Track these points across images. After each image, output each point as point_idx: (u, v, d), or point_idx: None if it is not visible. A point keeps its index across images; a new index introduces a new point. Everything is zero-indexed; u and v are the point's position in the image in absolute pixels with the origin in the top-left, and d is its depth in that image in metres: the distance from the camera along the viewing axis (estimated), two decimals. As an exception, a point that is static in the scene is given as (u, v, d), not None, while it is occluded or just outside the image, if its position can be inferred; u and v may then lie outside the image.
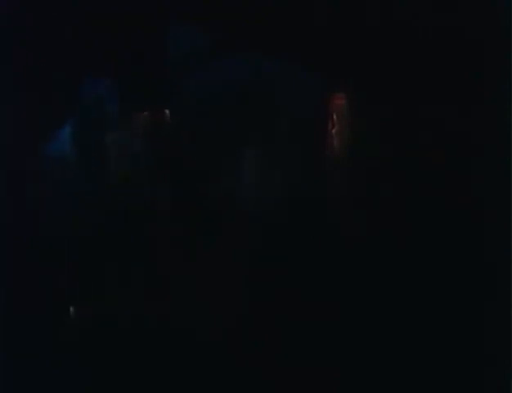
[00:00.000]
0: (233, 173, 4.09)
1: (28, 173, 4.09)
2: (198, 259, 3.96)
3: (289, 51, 4.02)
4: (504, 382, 3.71)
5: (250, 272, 3.94)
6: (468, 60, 3.97)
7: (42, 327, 3.96)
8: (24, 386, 3.91)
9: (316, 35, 4.04)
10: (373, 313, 3.88)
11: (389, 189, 3.97)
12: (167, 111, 4.16)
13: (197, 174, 4.09)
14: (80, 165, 4.11)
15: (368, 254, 3.93)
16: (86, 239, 4.01)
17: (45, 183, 4.07)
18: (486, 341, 3.79)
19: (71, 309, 4.00)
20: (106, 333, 3.95)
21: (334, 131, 4.11)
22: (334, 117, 4.11)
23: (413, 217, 3.95)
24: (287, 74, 4.10)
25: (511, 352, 3.71)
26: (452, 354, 3.83)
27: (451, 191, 3.95)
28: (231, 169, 4.10)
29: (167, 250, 3.99)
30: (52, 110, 4.09)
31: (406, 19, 4.02)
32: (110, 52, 4.11)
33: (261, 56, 4.07)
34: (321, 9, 4.05)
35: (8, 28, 4.10)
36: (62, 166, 4.11)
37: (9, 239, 4.01)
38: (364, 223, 3.98)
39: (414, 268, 3.89)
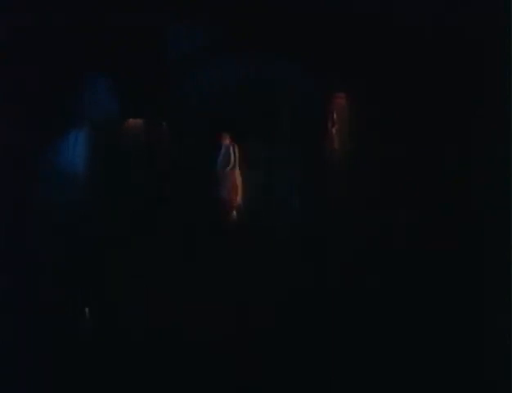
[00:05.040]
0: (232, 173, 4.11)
1: (28, 176, 4.09)
2: (199, 263, 3.97)
3: (290, 51, 4.03)
4: (504, 382, 3.72)
5: (250, 274, 3.95)
6: (468, 60, 3.97)
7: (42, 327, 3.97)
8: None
9: (317, 35, 4.04)
10: (373, 309, 3.88)
11: (389, 188, 3.97)
12: (167, 112, 4.16)
13: (196, 173, 4.10)
14: (80, 167, 4.11)
15: (366, 250, 3.93)
16: (83, 243, 4.02)
17: (45, 186, 4.08)
18: (486, 341, 3.79)
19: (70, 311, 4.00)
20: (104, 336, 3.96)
21: (334, 130, 4.11)
22: (335, 116, 4.11)
23: (413, 215, 3.96)
24: (288, 73, 4.10)
25: (511, 351, 3.72)
26: (453, 355, 3.83)
27: (450, 190, 3.95)
28: (230, 168, 4.11)
29: (166, 250, 4.00)
30: (52, 111, 4.10)
31: (407, 18, 4.02)
32: (109, 53, 4.12)
33: (261, 55, 4.07)
34: (321, 9, 4.06)
35: (8, 29, 4.10)
36: (62, 168, 4.11)
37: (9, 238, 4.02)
38: (364, 223, 3.98)
39: (414, 267, 3.90)
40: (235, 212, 4.09)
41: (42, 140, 4.08)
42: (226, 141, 4.10)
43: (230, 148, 4.11)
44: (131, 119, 4.15)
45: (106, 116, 4.13)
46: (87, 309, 3.98)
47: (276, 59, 4.08)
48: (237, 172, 4.11)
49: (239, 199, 4.10)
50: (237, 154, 4.11)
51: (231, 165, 4.10)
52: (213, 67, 4.14)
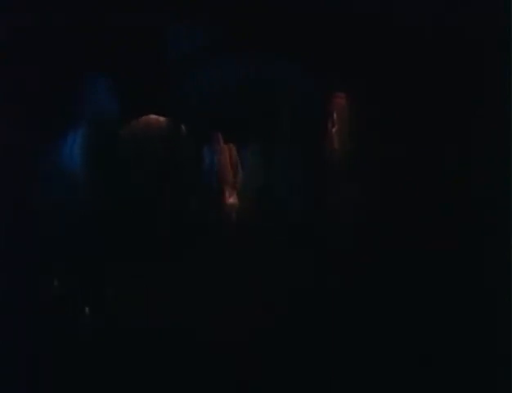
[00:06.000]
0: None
1: (28, 176, 4.09)
2: (199, 262, 3.97)
3: (290, 51, 4.03)
4: (504, 382, 3.72)
5: (251, 274, 3.95)
6: (468, 60, 3.97)
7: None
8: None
9: (317, 35, 4.04)
10: (373, 309, 3.88)
11: (389, 188, 3.97)
12: (167, 111, 4.15)
13: (196, 173, 4.10)
14: (80, 167, 4.11)
15: (366, 250, 3.93)
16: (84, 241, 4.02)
17: (44, 185, 4.08)
18: (486, 341, 3.79)
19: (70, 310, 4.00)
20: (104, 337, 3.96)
21: (334, 130, 4.11)
22: (335, 116, 4.11)
23: (413, 215, 3.96)
24: (288, 73, 4.10)
25: (511, 351, 3.72)
26: (453, 355, 3.83)
27: (450, 190, 3.95)
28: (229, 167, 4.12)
29: (166, 249, 4.00)
30: (52, 111, 4.10)
31: (407, 18, 4.02)
32: (109, 53, 4.12)
33: (261, 55, 4.07)
34: (321, 9, 4.06)
35: (8, 29, 4.10)
36: (61, 168, 4.11)
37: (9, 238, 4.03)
38: (364, 223, 3.98)
39: (414, 267, 3.89)
40: (234, 212, 4.09)
41: (42, 140, 4.08)
42: (226, 141, 4.10)
43: (229, 148, 4.11)
44: (131, 119, 4.15)
45: (106, 116, 4.13)
46: (87, 309, 3.98)
47: (276, 59, 4.08)
48: (237, 172, 4.11)
49: (238, 199, 4.10)
50: (237, 154, 4.11)
51: (230, 165, 4.11)
52: (213, 67, 4.14)
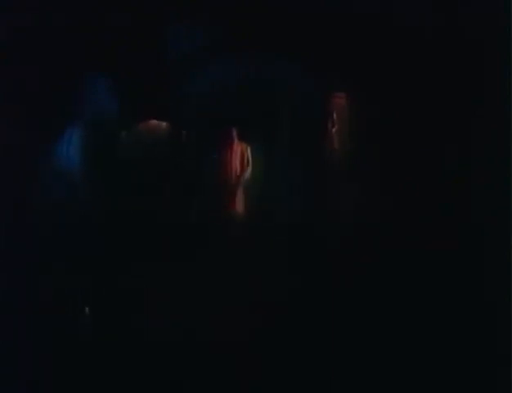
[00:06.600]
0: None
1: (27, 176, 4.09)
2: (201, 263, 3.97)
3: (290, 51, 4.03)
4: (504, 382, 3.72)
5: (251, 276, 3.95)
6: (468, 60, 3.97)
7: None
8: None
9: (317, 35, 4.04)
10: (373, 310, 3.88)
11: (389, 188, 3.97)
12: (167, 112, 4.15)
13: (197, 175, 4.10)
14: (79, 167, 4.11)
15: (366, 250, 3.93)
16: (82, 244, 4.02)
17: (44, 186, 4.08)
18: (486, 340, 3.79)
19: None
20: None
21: (334, 130, 4.11)
22: (335, 116, 4.11)
23: (413, 215, 3.96)
24: (288, 73, 4.10)
25: (511, 351, 3.72)
26: (453, 355, 3.83)
27: (450, 190, 3.95)
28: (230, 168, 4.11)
29: (166, 250, 4.00)
30: (52, 111, 4.10)
31: (407, 18, 4.02)
32: (109, 53, 4.12)
33: (261, 55, 4.07)
34: (321, 9, 4.06)
35: (8, 29, 4.10)
36: (60, 168, 4.11)
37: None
38: (364, 223, 3.98)
39: (414, 267, 3.89)
40: (234, 212, 4.09)
41: (42, 140, 4.08)
42: (237, 140, 4.07)
43: (242, 147, 4.09)
44: (131, 119, 4.15)
45: (106, 116, 4.13)
46: (87, 309, 3.98)
47: (276, 59, 4.08)
48: (244, 172, 4.10)
49: (238, 199, 4.10)
50: (249, 153, 4.08)
51: (239, 164, 4.09)
52: (213, 67, 4.14)
